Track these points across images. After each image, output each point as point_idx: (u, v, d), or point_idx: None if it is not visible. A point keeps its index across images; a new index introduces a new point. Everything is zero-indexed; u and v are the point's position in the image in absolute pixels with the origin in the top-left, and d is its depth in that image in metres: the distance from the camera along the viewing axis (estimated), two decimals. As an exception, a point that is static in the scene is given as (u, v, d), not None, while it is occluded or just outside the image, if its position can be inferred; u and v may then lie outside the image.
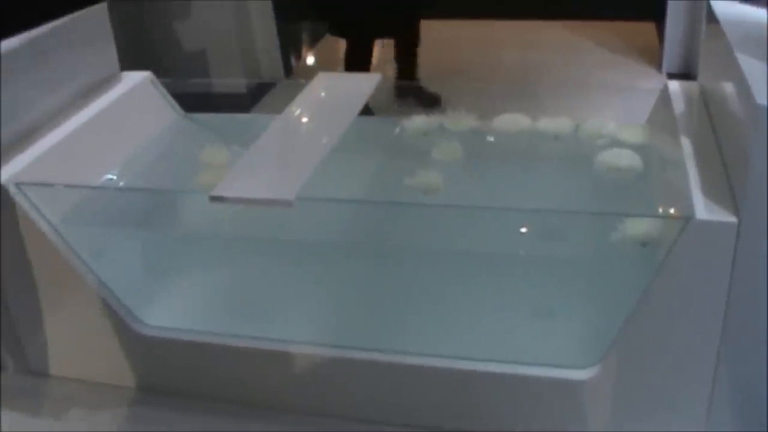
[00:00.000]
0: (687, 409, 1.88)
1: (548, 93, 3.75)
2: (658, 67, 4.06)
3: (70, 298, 2.16)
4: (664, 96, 2.29)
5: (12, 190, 2.04)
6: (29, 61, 2.23)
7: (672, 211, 1.83)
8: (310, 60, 4.76)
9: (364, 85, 2.45)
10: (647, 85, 3.88)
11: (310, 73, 4.48)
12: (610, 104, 3.50)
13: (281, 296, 2.33)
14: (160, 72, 2.68)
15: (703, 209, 1.69)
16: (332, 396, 2.09)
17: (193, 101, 2.80)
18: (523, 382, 1.94)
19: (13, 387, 2.28)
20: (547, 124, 2.41)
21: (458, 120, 2.44)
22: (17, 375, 2.31)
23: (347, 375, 2.06)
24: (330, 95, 2.43)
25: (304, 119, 2.30)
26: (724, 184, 1.76)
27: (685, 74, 3.92)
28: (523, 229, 2.04)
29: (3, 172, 2.06)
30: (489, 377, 1.95)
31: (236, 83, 3.90)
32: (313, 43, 4.92)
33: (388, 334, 2.13)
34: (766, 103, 1.54)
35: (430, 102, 3.74)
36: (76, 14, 2.42)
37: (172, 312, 2.27)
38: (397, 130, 2.51)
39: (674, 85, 2.28)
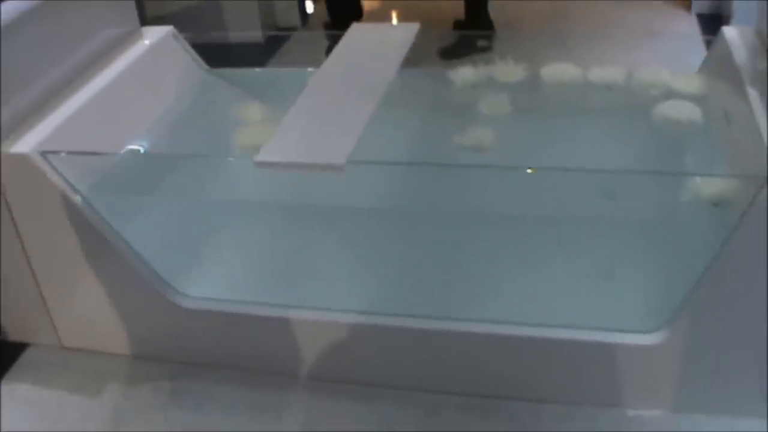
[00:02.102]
0: (759, 373, 1.80)
1: (579, 37, 3.64)
2: (687, 8, 3.94)
3: (103, 269, 2.06)
4: (720, 43, 2.17)
5: (37, 159, 1.92)
6: (47, 21, 2.09)
7: (747, 169, 1.73)
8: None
9: (402, 35, 2.32)
10: (678, 26, 3.77)
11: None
12: (645, 47, 3.40)
13: (328, 263, 2.24)
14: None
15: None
16: (383, 365, 2.02)
17: (211, 54, 2.67)
18: (588, 348, 1.86)
19: (46, 363, 2.20)
20: (598, 73, 2.28)
21: (507, 71, 2.32)
22: (50, 351, 2.23)
23: (400, 343, 1.97)
24: (368, 48, 2.30)
25: (344, 75, 2.17)
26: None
27: (715, 15, 3.81)
28: (581, 190, 1.94)
29: (28, 140, 1.94)
30: (550, 343, 1.87)
31: (253, 35, 3.75)
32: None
33: (443, 301, 2.05)
34: None
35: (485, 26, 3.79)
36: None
37: (212, 282, 2.17)
38: (444, 82, 2.38)
39: (731, 32, 2.16)
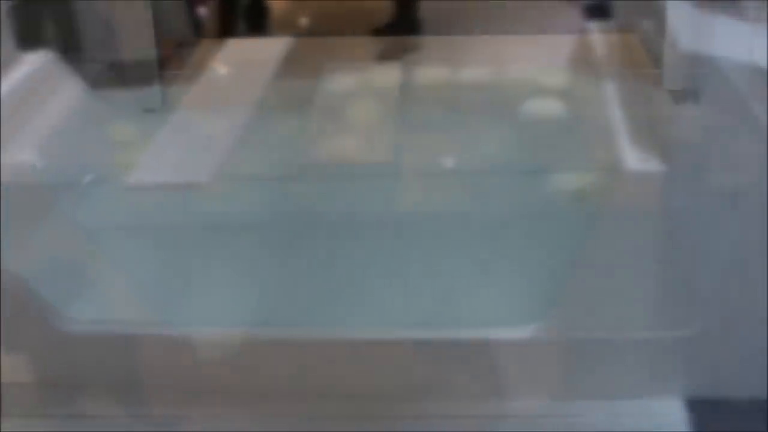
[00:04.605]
0: (634, 356, 1.87)
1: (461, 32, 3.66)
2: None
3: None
4: (586, 37, 2.24)
5: None
6: None
7: (601, 161, 1.79)
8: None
9: (275, 48, 2.34)
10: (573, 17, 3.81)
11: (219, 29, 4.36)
12: (538, 42, 3.43)
13: (210, 279, 2.25)
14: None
15: (632, 159, 1.65)
16: (265, 376, 2.03)
17: (99, 75, 2.66)
18: (468, 345, 1.90)
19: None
20: (468, 74, 2.33)
21: (384, 76, 2.35)
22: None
23: (284, 354, 2.00)
24: (242, 62, 2.32)
25: (219, 90, 2.19)
26: (651, 130, 1.72)
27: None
28: (451, 190, 1.98)
29: None
30: (430, 343, 1.92)
31: (143, 51, 3.73)
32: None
33: (323, 310, 2.07)
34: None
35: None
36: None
37: (102, 305, 2.18)
38: (320, 91, 2.41)
39: (592, 26, 2.23)
